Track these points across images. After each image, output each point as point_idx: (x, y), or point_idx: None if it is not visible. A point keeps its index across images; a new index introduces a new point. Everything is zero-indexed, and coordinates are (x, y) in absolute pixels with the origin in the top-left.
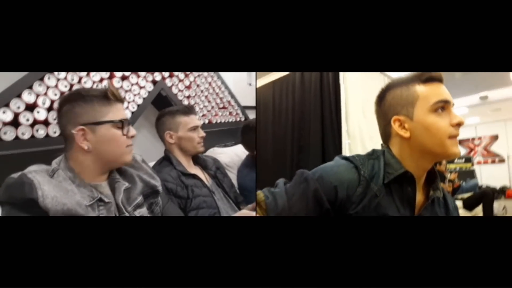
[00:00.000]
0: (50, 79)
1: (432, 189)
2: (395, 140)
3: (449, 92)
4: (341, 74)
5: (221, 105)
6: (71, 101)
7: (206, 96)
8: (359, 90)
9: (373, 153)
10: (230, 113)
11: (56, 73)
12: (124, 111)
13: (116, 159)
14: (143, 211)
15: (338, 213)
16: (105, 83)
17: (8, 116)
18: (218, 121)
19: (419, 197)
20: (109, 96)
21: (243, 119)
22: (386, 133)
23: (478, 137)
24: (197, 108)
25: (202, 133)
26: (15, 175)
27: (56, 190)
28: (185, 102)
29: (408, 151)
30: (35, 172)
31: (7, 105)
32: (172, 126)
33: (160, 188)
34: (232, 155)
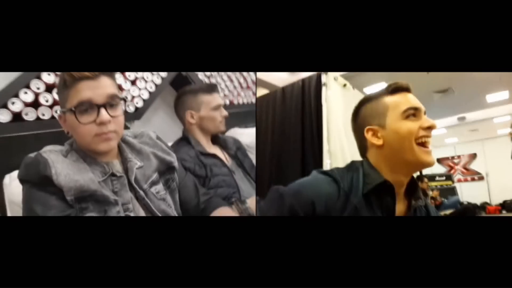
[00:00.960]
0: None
1: (414, 199)
2: (371, 151)
3: (419, 101)
4: (323, 92)
5: (245, 85)
6: (59, 85)
7: (228, 76)
8: (341, 109)
9: (352, 165)
10: (254, 94)
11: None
12: (89, 92)
13: (88, 148)
14: (159, 188)
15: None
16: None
17: (30, 97)
18: (241, 102)
19: (400, 208)
20: (65, 78)
21: None
22: (362, 147)
23: (457, 155)
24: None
25: (224, 112)
26: (32, 155)
27: (69, 168)
28: (206, 81)
29: (383, 161)
30: (49, 152)
31: (27, 86)
32: (194, 105)
33: (176, 164)
34: (253, 136)
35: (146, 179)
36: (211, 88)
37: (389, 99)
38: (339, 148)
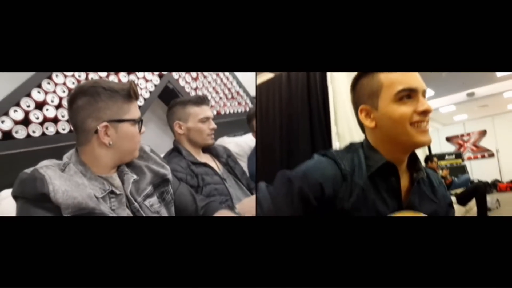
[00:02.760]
0: (58, 77)
1: (415, 171)
2: (368, 131)
3: (419, 78)
4: (328, 74)
5: (230, 96)
6: (92, 94)
7: (214, 87)
8: (347, 90)
9: (350, 146)
10: (239, 103)
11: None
12: (138, 109)
13: (129, 154)
14: (153, 201)
15: (326, 211)
16: (122, 78)
17: (20, 115)
18: (227, 111)
19: (404, 182)
20: (131, 95)
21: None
22: (360, 124)
23: (467, 133)
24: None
25: (213, 125)
26: (28, 170)
27: (67, 184)
28: (193, 94)
29: (379, 141)
30: (46, 167)
31: (17, 104)
32: (182, 116)
33: (170, 176)
34: (241, 144)
35: (141, 192)
36: (201, 101)
37: (384, 76)
38: (347, 129)
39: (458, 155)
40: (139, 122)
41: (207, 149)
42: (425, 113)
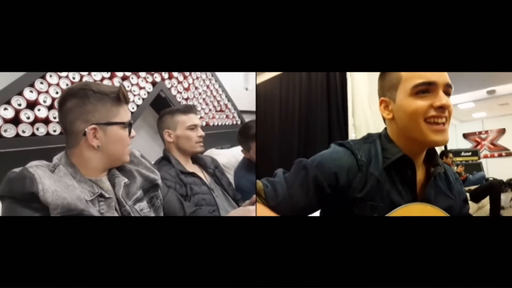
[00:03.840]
0: (51, 77)
1: (433, 166)
2: (387, 122)
3: (442, 72)
4: None
5: (218, 108)
6: (81, 96)
7: (204, 99)
8: (365, 83)
9: (368, 137)
10: (227, 116)
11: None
12: (129, 113)
13: (118, 158)
14: (143, 205)
15: (341, 199)
16: (116, 83)
17: (9, 113)
18: (215, 123)
19: (420, 176)
20: (121, 97)
21: (239, 122)
22: (382, 115)
23: (485, 130)
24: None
25: (201, 132)
26: (17, 170)
27: (57, 185)
28: (183, 103)
29: (395, 134)
30: (36, 167)
31: (8, 102)
32: (171, 125)
33: (159, 181)
34: (229, 156)
35: (131, 196)
36: (188, 109)
37: None
38: (363, 122)
39: (475, 153)
40: (128, 125)
41: (196, 160)
42: (442, 108)
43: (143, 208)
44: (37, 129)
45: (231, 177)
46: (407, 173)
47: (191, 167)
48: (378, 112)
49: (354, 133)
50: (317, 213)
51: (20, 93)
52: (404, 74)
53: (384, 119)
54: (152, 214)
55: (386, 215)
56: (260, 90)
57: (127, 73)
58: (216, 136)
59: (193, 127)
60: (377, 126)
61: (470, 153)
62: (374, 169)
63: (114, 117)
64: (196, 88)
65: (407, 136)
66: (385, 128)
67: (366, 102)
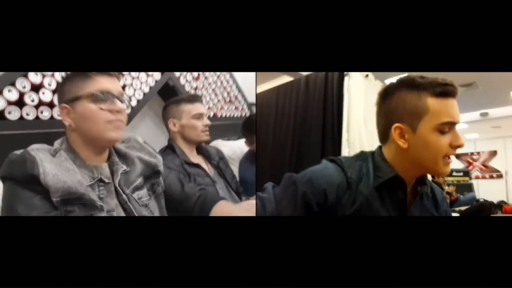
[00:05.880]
0: None
1: (420, 185)
2: (391, 147)
3: (458, 111)
4: (345, 82)
5: (228, 99)
6: (62, 80)
7: (213, 89)
8: (361, 99)
9: (361, 155)
10: (236, 108)
11: None
12: (109, 84)
13: (97, 136)
14: (142, 193)
15: (328, 216)
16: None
17: (14, 95)
18: (224, 114)
19: (408, 195)
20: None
21: (248, 114)
22: (384, 135)
23: (477, 152)
24: (203, 100)
25: (206, 121)
26: (18, 152)
27: (58, 168)
28: (192, 93)
29: (401, 160)
30: (38, 150)
31: (13, 84)
32: (176, 114)
33: (161, 168)
34: (234, 148)
35: (129, 184)
36: (194, 98)
37: (431, 102)
38: (357, 138)
39: (466, 173)
40: (97, 96)
41: (200, 151)
42: (459, 147)
43: (142, 197)
44: (41, 112)
45: (235, 169)
46: (398, 193)
47: (196, 158)
48: (372, 129)
49: (348, 148)
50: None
51: (25, 75)
52: (431, 107)
53: (383, 137)
54: (152, 202)
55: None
56: (258, 100)
57: None
58: (224, 128)
59: (198, 116)
60: (370, 143)
61: (461, 173)
62: (364, 188)
63: (81, 92)
64: (206, 78)
65: (417, 165)
66: (379, 147)
67: (361, 119)
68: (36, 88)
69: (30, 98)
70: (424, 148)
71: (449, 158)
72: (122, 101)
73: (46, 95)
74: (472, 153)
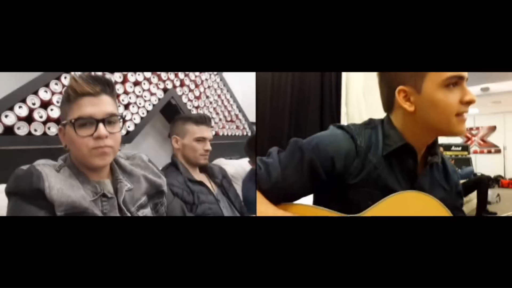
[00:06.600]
0: (66, 79)
1: (430, 155)
2: (398, 112)
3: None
4: None
5: (229, 118)
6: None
7: (214, 108)
8: (361, 74)
9: (369, 123)
10: (237, 127)
11: (72, 73)
12: (92, 108)
13: (84, 162)
14: (146, 211)
15: (335, 184)
16: (128, 88)
17: (24, 112)
18: (225, 133)
19: (418, 165)
20: (69, 93)
21: (249, 133)
22: (389, 103)
23: (476, 127)
24: (212, 122)
25: (208, 146)
26: (25, 167)
27: (62, 183)
28: (194, 112)
29: (410, 125)
30: (43, 165)
31: (23, 100)
32: (180, 132)
33: (165, 188)
34: (237, 167)
35: (134, 202)
36: (202, 120)
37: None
38: (357, 111)
39: (465, 148)
40: (73, 123)
41: (203, 169)
42: (470, 103)
43: (146, 215)
44: (49, 128)
45: (238, 188)
46: (408, 162)
47: (199, 176)
48: (372, 103)
49: (347, 121)
50: (310, 197)
51: (36, 93)
52: None
53: (388, 105)
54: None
55: (379, 202)
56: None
57: (139, 79)
58: (225, 147)
59: (200, 139)
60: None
61: (460, 148)
62: (373, 156)
63: (66, 116)
64: (207, 97)
65: (429, 127)
66: (387, 115)
67: (360, 91)
68: (45, 104)
69: (39, 115)
70: (432, 108)
71: (462, 115)
72: (112, 122)
73: (54, 112)
74: (471, 128)
